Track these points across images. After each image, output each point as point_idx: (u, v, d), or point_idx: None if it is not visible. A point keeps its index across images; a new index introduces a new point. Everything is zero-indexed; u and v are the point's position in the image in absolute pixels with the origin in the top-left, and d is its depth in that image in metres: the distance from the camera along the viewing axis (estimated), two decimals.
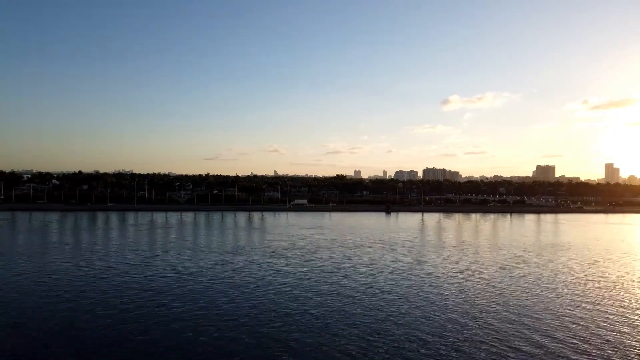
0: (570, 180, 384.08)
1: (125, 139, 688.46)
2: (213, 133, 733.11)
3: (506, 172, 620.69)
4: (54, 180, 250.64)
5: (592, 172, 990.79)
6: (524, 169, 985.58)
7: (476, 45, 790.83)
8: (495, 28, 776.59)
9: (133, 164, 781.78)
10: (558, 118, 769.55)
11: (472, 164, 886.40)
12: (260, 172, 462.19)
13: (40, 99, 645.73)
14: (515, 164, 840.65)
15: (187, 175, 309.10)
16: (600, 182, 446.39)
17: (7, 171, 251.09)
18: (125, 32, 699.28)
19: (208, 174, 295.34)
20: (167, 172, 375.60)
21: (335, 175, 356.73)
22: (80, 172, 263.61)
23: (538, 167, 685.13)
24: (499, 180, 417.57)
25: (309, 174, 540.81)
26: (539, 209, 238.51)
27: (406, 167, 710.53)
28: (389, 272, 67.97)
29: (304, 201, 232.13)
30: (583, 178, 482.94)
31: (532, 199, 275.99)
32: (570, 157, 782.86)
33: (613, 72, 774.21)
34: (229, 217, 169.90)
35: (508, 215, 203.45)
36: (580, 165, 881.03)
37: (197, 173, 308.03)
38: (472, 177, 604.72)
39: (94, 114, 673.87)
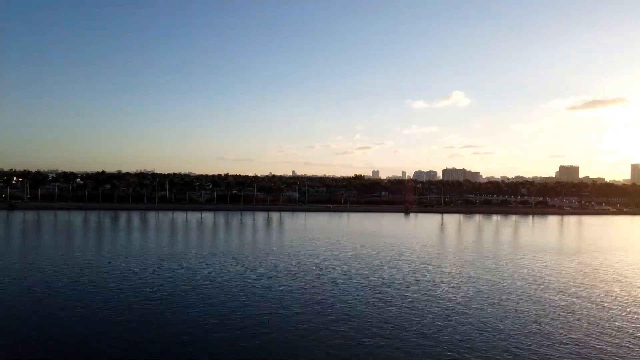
0: (594, 181, 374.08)
1: (145, 139, 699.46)
2: (223, 133, 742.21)
3: (514, 172, 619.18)
4: (78, 180, 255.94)
5: (594, 171, 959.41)
6: (544, 170, 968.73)
7: (463, 46, 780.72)
8: (484, 27, 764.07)
9: (154, 164, 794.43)
10: (550, 117, 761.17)
11: (479, 164, 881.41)
12: (278, 172, 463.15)
13: (64, 100, 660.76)
14: (521, 163, 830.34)
15: (206, 175, 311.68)
16: (625, 182, 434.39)
17: (33, 171, 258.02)
18: (135, 32, 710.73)
19: (227, 174, 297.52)
20: (187, 172, 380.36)
21: (353, 175, 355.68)
22: (103, 171, 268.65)
23: (561, 167, 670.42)
24: (520, 180, 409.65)
25: (327, 174, 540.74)
26: (562, 211, 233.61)
27: (414, 168, 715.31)
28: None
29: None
30: (607, 179, 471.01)
31: (555, 200, 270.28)
32: (574, 156, 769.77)
33: (602, 71, 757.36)
34: (258, 217, 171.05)
35: (530, 217, 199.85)
36: (584, 165, 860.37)
37: (213, 173, 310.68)
38: (492, 177, 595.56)
39: (115, 114, 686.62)
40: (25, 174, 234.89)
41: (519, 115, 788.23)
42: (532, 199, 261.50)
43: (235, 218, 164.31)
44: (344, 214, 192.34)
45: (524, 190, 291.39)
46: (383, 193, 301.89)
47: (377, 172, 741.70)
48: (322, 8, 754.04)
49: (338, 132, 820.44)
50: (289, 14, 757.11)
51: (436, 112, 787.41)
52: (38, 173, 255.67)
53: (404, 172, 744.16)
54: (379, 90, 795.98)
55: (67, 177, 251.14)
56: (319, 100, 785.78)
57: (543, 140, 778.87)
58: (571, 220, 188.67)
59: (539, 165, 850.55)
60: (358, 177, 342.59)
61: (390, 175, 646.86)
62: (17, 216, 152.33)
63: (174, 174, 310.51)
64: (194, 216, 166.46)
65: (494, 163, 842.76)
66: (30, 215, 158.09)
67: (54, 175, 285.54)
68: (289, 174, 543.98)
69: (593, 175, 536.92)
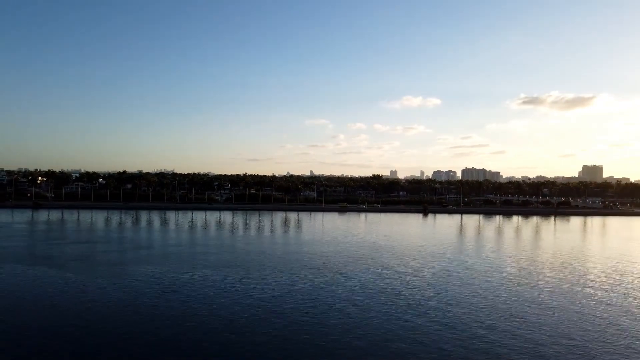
0: (619, 181, 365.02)
1: (164, 140, 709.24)
2: (239, 134, 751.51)
3: (526, 172, 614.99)
4: (100, 180, 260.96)
5: (619, 171, 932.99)
6: (563, 169, 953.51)
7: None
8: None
9: (174, 164, 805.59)
10: (539, 116, 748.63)
11: (489, 163, 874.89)
12: (295, 172, 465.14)
13: (86, 102, 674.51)
14: (531, 163, 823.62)
15: (225, 175, 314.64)
16: None
17: (58, 171, 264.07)
18: (147, 35, 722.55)
19: (245, 173, 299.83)
20: (206, 172, 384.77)
21: (370, 175, 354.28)
22: (124, 171, 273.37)
23: (584, 167, 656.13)
24: (542, 180, 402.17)
25: (344, 174, 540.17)
26: (585, 211, 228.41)
27: (426, 168, 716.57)
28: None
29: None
30: (633, 179, 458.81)
31: (578, 201, 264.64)
32: (580, 155, 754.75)
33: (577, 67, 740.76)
34: (289, 216, 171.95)
35: (552, 218, 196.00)
36: (606, 164, 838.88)
37: (232, 173, 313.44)
38: (513, 177, 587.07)
39: (134, 116, 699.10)
40: (49, 174, 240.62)
41: (510, 113, 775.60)
42: (554, 199, 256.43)
43: (263, 218, 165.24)
44: (362, 214, 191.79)
45: (545, 191, 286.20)
46: (401, 193, 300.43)
47: (395, 172, 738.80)
48: (321, 10, 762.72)
49: (340, 132, 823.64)
50: (290, 15, 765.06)
51: (425, 111, 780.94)
52: (62, 173, 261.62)
53: (422, 172, 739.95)
54: (371, 89, 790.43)
55: (89, 177, 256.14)
56: (320, 100, 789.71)
57: (544, 139, 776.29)
58: (595, 221, 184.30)
59: (546, 163, 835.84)
60: (376, 177, 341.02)
61: (409, 175, 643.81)
62: (43, 215, 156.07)
63: (194, 174, 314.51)
64: (215, 216, 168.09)
65: (501, 162, 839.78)
66: (56, 214, 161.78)
67: (77, 175, 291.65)
68: (307, 173, 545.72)
69: (618, 175, 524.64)
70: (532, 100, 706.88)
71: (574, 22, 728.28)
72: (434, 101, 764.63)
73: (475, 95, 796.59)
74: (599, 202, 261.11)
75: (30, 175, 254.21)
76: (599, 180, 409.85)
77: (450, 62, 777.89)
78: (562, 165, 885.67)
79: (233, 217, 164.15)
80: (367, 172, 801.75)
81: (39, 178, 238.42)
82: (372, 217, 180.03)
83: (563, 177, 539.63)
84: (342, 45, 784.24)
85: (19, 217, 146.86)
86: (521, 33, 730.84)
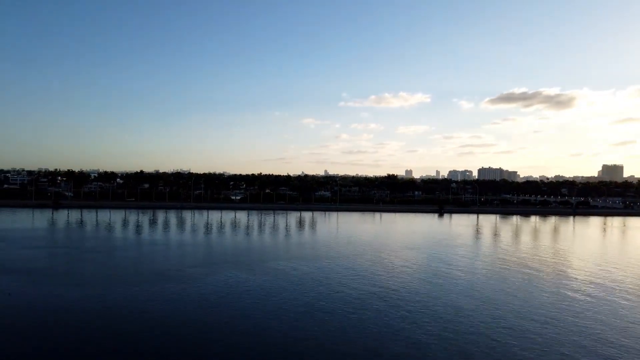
0: None
1: (179, 140, 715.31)
2: (252, 134, 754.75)
3: (535, 171, 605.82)
4: (118, 179, 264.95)
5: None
6: (586, 169, 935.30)
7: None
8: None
9: (189, 164, 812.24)
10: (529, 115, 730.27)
11: (496, 162, 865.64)
12: (308, 172, 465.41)
13: (105, 103, 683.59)
14: (537, 161, 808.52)
15: (240, 175, 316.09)
16: None
17: (77, 170, 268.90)
18: (159, 37, 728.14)
19: (260, 173, 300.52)
20: (221, 172, 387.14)
21: (386, 175, 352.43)
22: (142, 171, 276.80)
23: (604, 166, 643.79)
24: (560, 180, 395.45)
25: (359, 174, 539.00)
26: (605, 212, 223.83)
27: (426, 168, 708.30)
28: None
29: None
30: None
31: (598, 201, 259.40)
32: (588, 154, 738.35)
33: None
34: (319, 216, 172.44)
35: (570, 218, 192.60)
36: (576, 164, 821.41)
37: (247, 173, 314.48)
38: (530, 176, 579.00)
39: (153, 117, 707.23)
40: (69, 174, 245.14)
41: (507, 112, 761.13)
42: (573, 199, 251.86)
43: (289, 217, 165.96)
44: (377, 214, 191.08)
45: (564, 190, 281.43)
46: (416, 193, 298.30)
47: (410, 171, 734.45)
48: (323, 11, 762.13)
49: (342, 131, 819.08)
50: (290, 16, 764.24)
51: (423, 110, 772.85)
52: (81, 173, 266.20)
53: (437, 172, 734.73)
54: (366, 87, 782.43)
55: (108, 177, 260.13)
56: (317, 99, 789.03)
57: (545, 138, 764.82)
58: (615, 221, 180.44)
59: (556, 162, 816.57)
60: (391, 177, 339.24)
61: (424, 175, 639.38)
62: (69, 214, 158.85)
63: (209, 174, 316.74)
64: (231, 215, 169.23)
65: (511, 161, 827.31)
66: (81, 213, 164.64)
67: (96, 174, 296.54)
68: (321, 173, 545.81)
69: (639, 174, 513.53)
70: (530, 98, 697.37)
71: (566, 19, 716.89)
72: (425, 99, 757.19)
73: (467, 93, 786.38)
74: (619, 202, 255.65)
75: (50, 175, 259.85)
76: (619, 180, 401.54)
77: (439, 59, 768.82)
78: (574, 165, 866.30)
79: (217, 217, 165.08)
80: (378, 172, 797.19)
81: (59, 178, 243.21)
82: (387, 216, 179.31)
83: (582, 176, 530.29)
84: (333, 44, 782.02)
85: (39, 215, 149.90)
86: (514, 30, 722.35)
